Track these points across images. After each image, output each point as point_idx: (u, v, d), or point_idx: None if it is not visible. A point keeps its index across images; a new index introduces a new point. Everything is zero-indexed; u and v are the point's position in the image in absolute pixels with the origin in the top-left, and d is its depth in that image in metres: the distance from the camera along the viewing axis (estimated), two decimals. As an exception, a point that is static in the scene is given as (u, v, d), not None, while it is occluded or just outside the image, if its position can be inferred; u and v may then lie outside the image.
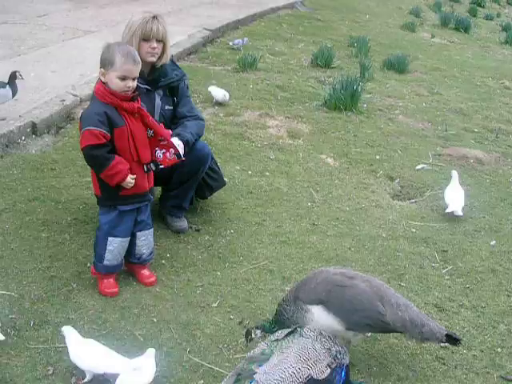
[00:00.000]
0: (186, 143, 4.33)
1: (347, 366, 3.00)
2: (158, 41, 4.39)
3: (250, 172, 5.94)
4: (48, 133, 6.27)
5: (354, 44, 11.60)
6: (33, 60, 8.10)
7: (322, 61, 10.09)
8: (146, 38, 4.34)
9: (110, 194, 3.91)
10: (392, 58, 10.83)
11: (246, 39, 10.69)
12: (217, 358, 3.54)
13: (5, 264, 4.17)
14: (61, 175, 5.42)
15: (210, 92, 7.58)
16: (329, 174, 6.15)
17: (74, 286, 4.03)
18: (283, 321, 3.46)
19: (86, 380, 3.26)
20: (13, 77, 5.95)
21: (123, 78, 3.73)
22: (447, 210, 5.51)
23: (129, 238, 4.03)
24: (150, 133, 3.89)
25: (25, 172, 5.40)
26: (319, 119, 7.58)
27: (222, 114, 7.27)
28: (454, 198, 5.57)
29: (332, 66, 10.12)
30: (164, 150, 3.96)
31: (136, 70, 3.78)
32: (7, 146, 5.77)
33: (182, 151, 4.18)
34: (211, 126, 6.87)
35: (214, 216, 5.08)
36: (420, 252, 4.91)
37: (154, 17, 4.41)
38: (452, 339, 3.51)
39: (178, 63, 4.86)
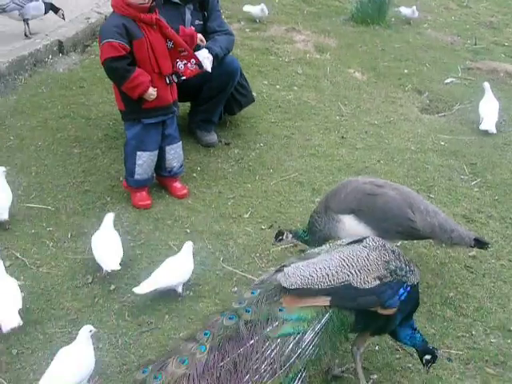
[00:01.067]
0: (215, 57, 4.30)
1: (414, 286, 2.81)
2: None
3: (278, 86, 5.91)
4: (74, 51, 6.24)
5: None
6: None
7: (349, -26, 9.82)
8: None
9: (133, 108, 3.93)
10: (421, -31, 10.50)
11: None
12: (249, 266, 3.63)
13: (40, 179, 4.26)
14: (89, 93, 5.44)
15: (249, 12, 7.35)
16: (357, 88, 6.10)
17: (108, 199, 4.11)
18: (315, 232, 3.50)
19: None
20: (53, 8, 6.05)
21: None
22: (481, 127, 5.45)
23: (157, 152, 4.06)
24: (170, 44, 3.86)
25: (54, 90, 5.43)
26: (346, 33, 7.46)
27: (248, 30, 7.17)
28: (488, 113, 5.49)
29: (358, -22, 9.85)
30: (185, 61, 3.94)
31: None
32: (35, 65, 5.76)
33: (210, 64, 4.17)
34: (238, 41, 6.73)
35: (243, 130, 5.09)
36: (449, 165, 4.91)
37: None
38: (480, 243, 3.54)
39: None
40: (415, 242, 3.86)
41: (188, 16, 4.52)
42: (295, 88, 5.92)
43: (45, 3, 5.99)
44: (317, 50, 6.90)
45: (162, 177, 4.23)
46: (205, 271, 3.54)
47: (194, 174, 4.47)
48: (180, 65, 3.92)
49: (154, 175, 4.20)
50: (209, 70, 4.17)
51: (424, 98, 6.12)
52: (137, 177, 4.02)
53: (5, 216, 3.73)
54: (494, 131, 5.42)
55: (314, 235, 3.51)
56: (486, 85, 5.68)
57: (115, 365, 2.97)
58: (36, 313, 3.22)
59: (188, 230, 3.87)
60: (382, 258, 2.75)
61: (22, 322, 2.98)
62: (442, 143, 5.23)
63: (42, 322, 3.16)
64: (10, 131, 4.73)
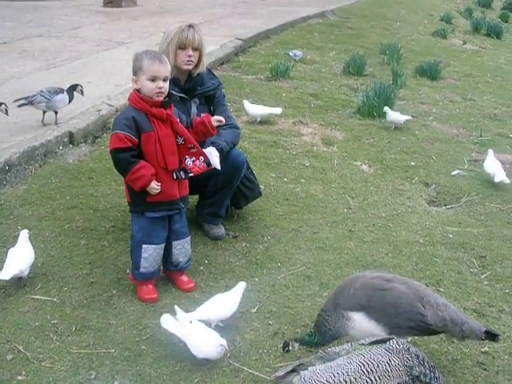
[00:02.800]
0: (220, 151, 4.35)
1: None
2: (194, 49, 4.45)
3: (285, 179, 5.96)
4: (85, 142, 6.34)
5: (385, 51, 11.58)
6: (68, 72, 8.21)
7: (354, 68, 10.10)
8: (181, 47, 4.40)
9: (138, 200, 3.95)
10: (424, 64, 10.81)
11: (302, 50, 10.72)
12: (257, 363, 3.53)
13: (46, 271, 4.23)
14: (98, 183, 5.49)
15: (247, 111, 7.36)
16: (364, 181, 6.14)
17: (114, 291, 4.07)
18: (325, 331, 3.43)
19: None
20: (72, 87, 6.32)
21: (153, 80, 3.78)
22: (496, 180, 6.13)
23: (163, 245, 4.05)
24: (181, 140, 3.89)
25: (63, 181, 5.48)
26: (353, 126, 7.58)
27: (256, 123, 7.29)
28: (497, 167, 6.24)
29: (364, 73, 10.13)
30: (194, 158, 3.96)
31: (164, 69, 3.82)
32: (45, 156, 5.84)
33: (217, 160, 4.20)
34: (246, 134, 6.90)
35: (250, 223, 5.10)
36: (458, 257, 4.87)
37: (190, 25, 4.47)
38: (491, 335, 3.47)
39: (211, 72, 4.90)
40: (426, 337, 3.78)
41: (194, 109, 4.60)
42: (302, 181, 5.96)
43: (68, 93, 6.27)
44: (324, 143, 6.99)
45: (169, 270, 4.20)
46: (211, 368, 3.45)
47: (201, 267, 4.44)
48: (189, 161, 3.95)
49: (161, 268, 4.17)
50: (218, 167, 4.20)
51: (431, 191, 6.15)
52: (142, 270, 4.00)
53: (24, 274, 4.04)
54: (509, 180, 6.15)
55: (324, 335, 3.44)
56: (490, 151, 6.42)
57: None
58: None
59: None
60: (404, 363, 2.66)
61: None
62: (451, 236, 5.21)
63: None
64: (18, 221, 4.74)
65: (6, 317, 3.69)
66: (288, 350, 3.47)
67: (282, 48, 11.31)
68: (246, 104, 7.28)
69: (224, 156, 4.49)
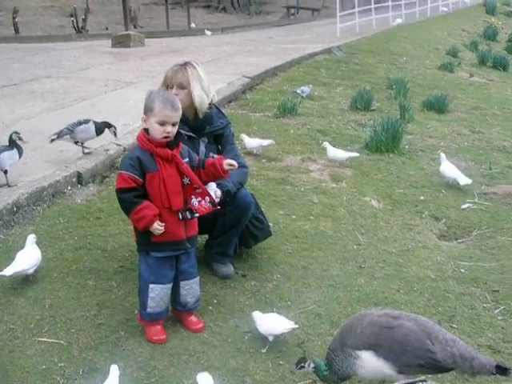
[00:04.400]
0: (226, 192, 4.33)
1: None
2: (181, 88, 4.41)
3: (294, 216, 5.91)
4: (93, 182, 6.35)
5: (392, 86, 11.62)
6: (77, 112, 8.26)
7: (362, 104, 10.12)
8: (169, 85, 4.42)
9: (143, 240, 3.93)
10: (431, 98, 10.82)
11: (310, 86, 10.76)
12: (268, 405, 3.47)
13: (53, 312, 4.19)
14: (106, 223, 5.46)
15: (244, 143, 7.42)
16: (373, 216, 6.10)
17: (122, 333, 4.01)
18: (335, 371, 3.38)
19: None
20: (106, 124, 6.56)
21: (162, 124, 3.77)
22: (462, 183, 6.81)
23: (170, 285, 4.00)
24: (187, 180, 3.85)
25: (71, 221, 5.46)
26: (361, 162, 7.56)
27: (264, 160, 7.29)
28: (456, 171, 6.94)
29: (371, 108, 10.15)
30: (200, 198, 3.92)
31: (175, 115, 3.81)
32: (54, 196, 5.84)
33: (217, 200, 4.16)
34: (254, 171, 6.89)
35: (259, 261, 5.04)
36: (470, 293, 4.80)
37: (184, 64, 4.47)
38: (502, 370, 3.38)
39: (219, 111, 4.89)
40: (439, 375, 3.70)
41: (202, 148, 4.57)
42: (311, 217, 5.92)
43: (96, 124, 6.39)
44: (332, 179, 6.96)
45: (177, 311, 4.15)
46: (220, 411, 3.39)
47: (210, 307, 4.38)
48: (194, 202, 3.91)
49: (170, 309, 4.12)
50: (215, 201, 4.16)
51: (441, 225, 6.10)
52: (149, 310, 3.95)
53: (28, 272, 4.42)
54: (470, 181, 6.86)
55: (334, 375, 3.38)
56: (443, 155, 7.08)
57: None
58: None
59: (204, 367, 3.72)
60: None
61: None
62: (462, 270, 5.15)
63: None
64: (25, 264, 4.70)
65: (13, 360, 3.64)
66: (303, 367, 3.40)
67: (290, 85, 11.38)
68: (245, 138, 7.41)
69: (231, 197, 4.46)
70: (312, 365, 3.42)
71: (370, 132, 8.13)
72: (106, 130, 6.58)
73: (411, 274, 5.01)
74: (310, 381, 3.66)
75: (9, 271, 4.32)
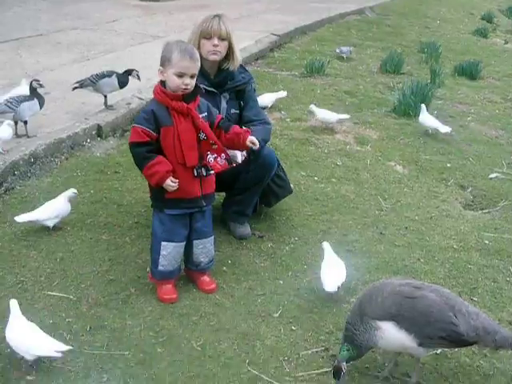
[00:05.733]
0: (251, 150, 4.18)
1: None
2: (221, 39, 4.27)
3: (316, 178, 5.77)
4: (113, 135, 6.26)
5: (424, 50, 11.31)
6: (101, 64, 8.11)
7: (391, 67, 9.86)
8: (206, 36, 4.25)
9: (157, 196, 3.82)
10: (464, 63, 10.50)
11: (351, 48, 10.54)
12: (277, 371, 3.36)
13: (64, 266, 4.12)
14: (124, 178, 5.38)
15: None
16: (397, 182, 5.93)
17: (133, 290, 3.93)
18: (357, 345, 3.22)
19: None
20: (128, 72, 6.43)
21: (180, 75, 3.62)
22: (443, 131, 7.04)
23: (183, 244, 3.90)
24: (203, 136, 3.70)
25: (89, 174, 5.39)
26: (388, 125, 7.37)
27: (288, 119, 7.13)
28: (435, 120, 7.15)
29: (401, 72, 9.89)
30: (215, 155, 3.80)
31: (193, 66, 3.65)
32: (72, 148, 5.77)
33: (241, 157, 4.03)
34: (277, 130, 6.74)
35: (277, 223, 4.92)
36: (493, 265, 4.64)
37: (217, 15, 4.31)
38: None
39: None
40: (456, 350, 3.57)
41: (224, 105, 4.44)
42: (334, 180, 5.77)
43: (119, 77, 6.31)
44: (357, 142, 6.79)
45: (190, 270, 4.06)
46: (229, 374, 3.29)
47: (224, 268, 4.27)
48: (210, 158, 3.78)
49: (182, 268, 4.03)
50: (239, 161, 4.04)
51: (467, 194, 5.91)
52: (161, 268, 3.85)
53: (50, 224, 4.45)
54: (450, 128, 7.10)
55: (359, 349, 3.24)
56: (423, 106, 7.10)
57: None
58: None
59: (214, 328, 3.64)
60: None
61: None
62: (486, 242, 4.97)
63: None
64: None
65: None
66: (343, 374, 3.15)
67: (319, 44, 11.14)
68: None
69: (255, 154, 4.33)
70: (344, 364, 3.17)
71: (399, 95, 7.90)
72: (130, 79, 6.45)
73: (433, 243, 4.85)
74: (323, 348, 3.55)
75: (22, 218, 4.36)
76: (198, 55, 3.69)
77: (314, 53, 10.41)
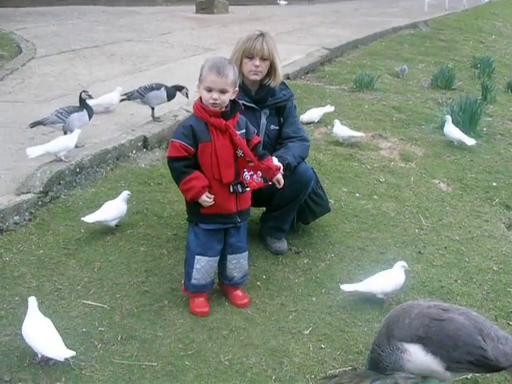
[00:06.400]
0: (286, 166, 4.20)
1: None
2: (263, 59, 4.31)
3: (357, 195, 5.75)
4: (159, 147, 6.35)
5: (477, 65, 11.18)
6: (153, 76, 8.27)
7: (443, 82, 9.78)
8: (248, 56, 4.28)
9: (192, 210, 3.87)
10: (518, 80, 10.32)
11: (406, 67, 10.48)
12: (302, 389, 3.36)
13: (101, 275, 4.20)
14: (166, 190, 5.45)
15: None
16: (440, 200, 5.86)
17: (166, 302, 3.98)
18: (381, 368, 3.21)
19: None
20: (177, 88, 6.51)
21: (209, 90, 3.66)
22: (469, 144, 7.10)
23: (217, 258, 3.94)
24: (240, 153, 3.74)
25: (132, 185, 5.47)
26: (435, 142, 7.30)
27: (333, 134, 7.11)
28: (460, 132, 7.17)
29: (452, 87, 9.80)
30: (252, 172, 3.81)
31: (220, 81, 3.66)
32: (117, 159, 5.87)
33: (278, 173, 4.03)
34: (322, 145, 6.76)
35: (315, 239, 4.92)
36: (535, 288, 4.54)
37: (261, 34, 4.35)
38: None
39: (294, 81, 4.78)
40: (488, 375, 3.51)
41: (263, 121, 4.48)
42: (375, 197, 5.74)
43: (167, 90, 6.39)
44: (402, 159, 6.75)
45: (224, 284, 4.09)
46: (254, 390, 3.32)
47: (259, 283, 4.29)
48: (246, 175, 3.80)
49: (216, 282, 4.08)
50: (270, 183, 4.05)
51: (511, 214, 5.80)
52: (194, 281, 3.90)
53: (113, 224, 4.70)
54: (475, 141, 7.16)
55: (384, 372, 3.23)
56: (448, 117, 7.22)
57: None
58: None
59: (243, 343, 3.66)
60: None
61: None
62: (529, 264, 4.87)
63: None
64: (81, 224, 4.72)
65: (56, 320, 3.63)
66: None
67: (370, 59, 11.11)
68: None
69: (291, 171, 4.34)
70: None
71: (447, 111, 7.80)
72: (178, 93, 6.54)
73: (472, 264, 4.78)
74: (351, 367, 3.53)
75: (90, 218, 4.60)
76: (227, 71, 3.69)
77: (365, 67, 10.39)
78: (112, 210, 4.68)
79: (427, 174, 6.41)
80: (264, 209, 4.85)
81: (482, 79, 10.23)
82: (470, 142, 7.08)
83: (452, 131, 7.16)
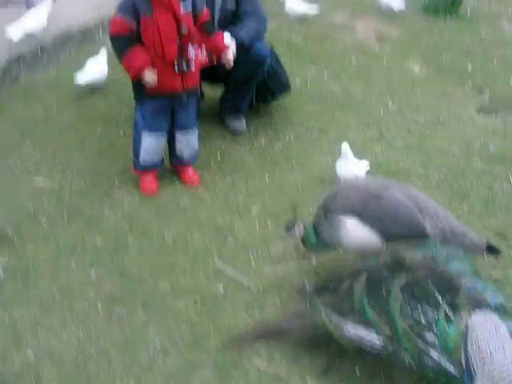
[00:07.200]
0: (240, 44, 4.05)
1: None
2: None
3: (325, 76, 5.62)
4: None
5: None
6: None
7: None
8: None
9: (138, 89, 3.79)
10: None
11: None
12: (243, 266, 3.38)
13: (54, 155, 4.20)
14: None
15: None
16: (411, 82, 5.72)
17: (116, 181, 3.99)
18: (321, 240, 3.23)
19: None
20: None
21: None
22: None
23: (164, 133, 3.88)
24: (184, 30, 3.58)
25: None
26: (414, 23, 7.06)
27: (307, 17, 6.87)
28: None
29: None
30: (196, 48, 3.69)
31: None
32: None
33: (232, 51, 3.91)
34: (296, 26, 6.55)
35: (275, 119, 4.85)
36: (493, 172, 4.44)
37: None
38: (492, 250, 3.23)
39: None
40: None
41: (219, 0, 4.29)
42: (344, 79, 5.61)
43: None
44: (377, 39, 6.54)
45: (174, 164, 4.08)
46: (194, 266, 3.35)
47: (212, 163, 4.27)
48: (191, 52, 3.68)
49: (163, 161, 4.05)
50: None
51: (484, 97, 5.67)
52: (141, 159, 3.88)
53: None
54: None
55: (320, 245, 3.25)
56: None
57: None
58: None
59: (188, 221, 3.69)
60: None
61: None
62: (491, 148, 4.77)
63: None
64: (38, 103, 4.66)
65: (5, 199, 3.66)
66: (290, 231, 3.21)
67: None
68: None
69: (245, 49, 4.21)
70: (303, 231, 3.25)
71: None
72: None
73: (434, 147, 4.69)
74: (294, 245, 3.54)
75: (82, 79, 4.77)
76: None
77: None
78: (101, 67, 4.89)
79: (401, 56, 6.22)
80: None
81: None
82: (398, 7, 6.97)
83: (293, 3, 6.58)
